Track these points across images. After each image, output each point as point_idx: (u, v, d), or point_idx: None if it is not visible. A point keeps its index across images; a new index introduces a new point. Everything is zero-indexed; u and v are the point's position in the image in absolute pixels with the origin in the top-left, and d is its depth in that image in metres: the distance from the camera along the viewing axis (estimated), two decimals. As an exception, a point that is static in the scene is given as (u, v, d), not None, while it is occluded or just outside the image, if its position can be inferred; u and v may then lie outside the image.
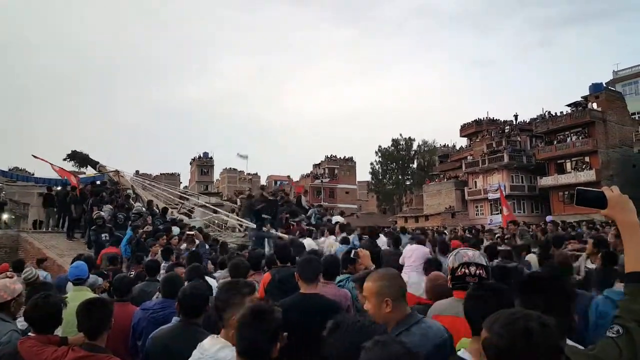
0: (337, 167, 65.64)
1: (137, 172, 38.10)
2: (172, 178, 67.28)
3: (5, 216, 18.13)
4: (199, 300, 2.68)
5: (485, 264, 2.58)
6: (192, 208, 18.32)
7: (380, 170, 63.42)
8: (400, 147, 62.74)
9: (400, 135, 63.05)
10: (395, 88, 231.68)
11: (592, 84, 38.54)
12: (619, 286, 2.90)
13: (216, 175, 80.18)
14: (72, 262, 5.08)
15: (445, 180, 51.23)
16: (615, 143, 35.04)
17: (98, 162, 17.70)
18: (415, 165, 63.15)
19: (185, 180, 76.91)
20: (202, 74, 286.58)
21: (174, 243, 8.05)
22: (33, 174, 16.67)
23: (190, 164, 78.51)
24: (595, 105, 36.30)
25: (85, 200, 13.02)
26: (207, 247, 8.21)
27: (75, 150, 17.90)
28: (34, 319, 2.56)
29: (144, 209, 12.62)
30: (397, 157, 62.44)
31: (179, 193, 20.41)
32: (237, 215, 17.91)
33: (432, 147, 62.54)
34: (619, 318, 1.44)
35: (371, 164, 63.51)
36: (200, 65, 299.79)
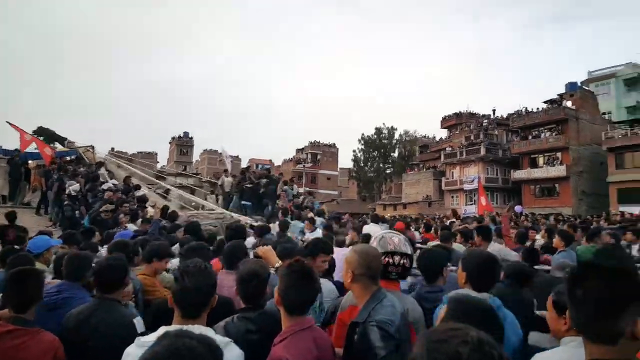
0: (320, 153, 65.95)
1: (112, 149, 37.64)
2: (150, 157, 64.99)
3: None
4: (117, 273, 2.56)
5: (410, 252, 2.54)
6: (169, 189, 18.18)
7: (362, 158, 64.15)
8: (383, 135, 63.44)
9: (384, 124, 63.84)
10: (381, 78, 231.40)
11: (568, 82, 39.47)
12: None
13: (196, 156, 78.90)
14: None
15: (424, 170, 52.14)
16: (586, 141, 36.17)
17: (66, 138, 17.22)
18: (396, 154, 64.02)
19: (163, 160, 75.21)
20: (187, 52, 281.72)
21: (123, 222, 8.09)
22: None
23: (170, 143, 77.12)
24: (569, 104, 37.25)
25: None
26: (160, 225, 7.50)
27: (41, 127, 17.40)
28: None
29: (116, 185, 12.33)
30: (380, 145, 63.17)
31: (155, 172, 20.32)
32: (217, 197, 18.02)
33: (413, 137, 63.50)
34: None
35: (354, 151, 64.48)
36: (188, 43, 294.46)
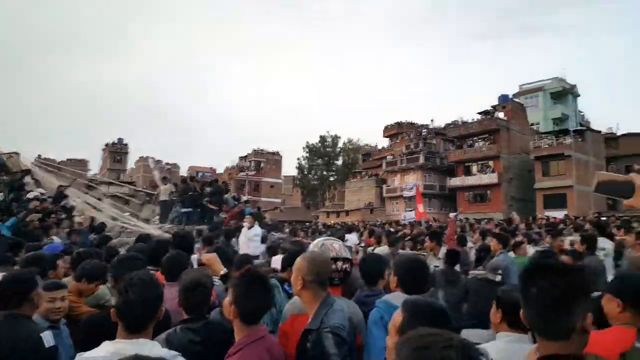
0: (264, 161, 65.49)
1: (39, 156, 35.40)
2: (80, 164, 60.82)
3: None
4: (22, 286, 2.48)
5: (350, 257, 2.62)
6: (100, 198, 17.42)
7: (306, 166, 64.46)
8: (327, 143, 64.13)
9: (328, 132, 64.54)
10: (325, 86, 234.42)
11: (501, 95, 41.91)
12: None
13: (130, 163, 75.78)
14: None
15: (367, 177, 53.17)
16: (516, 150, 38.41)
17: None
18: (340, 162, 64.90)
19: (95, 167, 70.41)
20: (121, 53, 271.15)
21: (53, 233, 7.74)
22: None
23: (103, 150, 73.18)
24: (501, 115, 39.52)
25: None
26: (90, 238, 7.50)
27: None
28: None
29: (43, 194, 11.90)
30: (324, 153, 63.78)
31: (85, 181, 19.37)
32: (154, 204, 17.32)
33: (356, 146, 64.69)
34: None
35: (298, 159, 64.65)
36: (121, 43, 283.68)
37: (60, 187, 12.72)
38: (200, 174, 53.67)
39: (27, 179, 13.21)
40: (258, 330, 1.98)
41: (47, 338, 2.44)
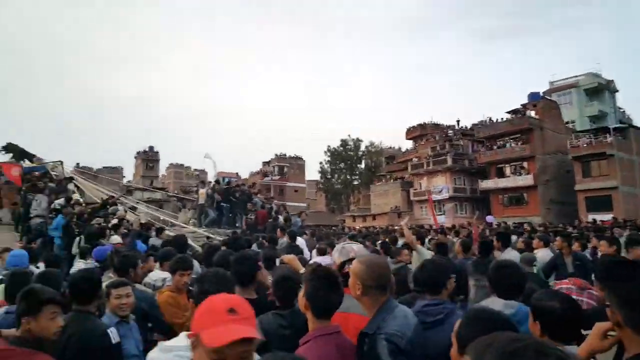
0: (287, 166, 65.42)
1: (77, 164, 36.22)
2: (115, 172, 64.50)
3: None
4: (88, 284, 2.66)
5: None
6: (136, 203, 17.69)
7: (329, 170, 63.89)
8: (349, 147, 63.45)
9: (349, 135, 63.84)
10: (344, 89, 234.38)
11: (530, 92, 40.77)
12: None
13: (162, 170, 78.22)
14: None
15: (392, 181, 52.44)
16: (551, 150, 37.10)
17: (35, 155, 16.96)
18: (363, 166, 64.16)
19: (129, 174, 74.23)
20: (149, 66, 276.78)
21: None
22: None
23: (135, 158, 75.94)
24: (533, 113, 38.35)
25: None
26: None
27: (10, 143, 16.85)
28: None
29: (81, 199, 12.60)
30: (346, 157, 63.12)
31: (125, 186, 19.66)
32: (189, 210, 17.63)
33: (379, 149, 63.85)
34: None
35: (320, 163, 63.95)
36: (147, 57, 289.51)
37: (111, 198, 13.43)
38: (226, 179, 53.55)
39: (70, 185, 13.84)
40: (329, 325, 2.02)
41: (113, 334, 2.60)
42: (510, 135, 38.79)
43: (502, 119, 40.78)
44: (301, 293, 2.10)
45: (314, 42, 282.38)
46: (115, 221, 9.55)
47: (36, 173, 14.45)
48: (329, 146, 63.49)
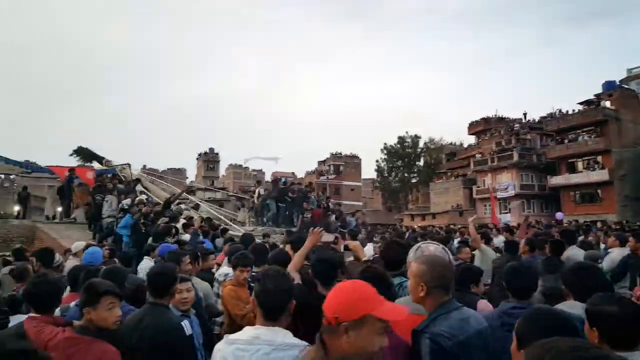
0: (342, 164, 65.15)
1: (144, 166, 37.99)
2: (179, 173, 68.26)
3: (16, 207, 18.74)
4: (166, 279, 2.76)
5: (450, 259, 2.58)
6: (198, 203, 18.11)
7: (385, 168, 62.76)
8: (407, 144, 61.94)
9: (407, 132, 62.28)
10: (402, 85, 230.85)
11: (606, 81, 37.91)
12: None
13: (222, 170, 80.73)
14: None
15: (452, 178, 50.74)
16: (629, 142, 34.32)
17: (104, 158, 17.72)
18: (421, 163, 62.44)
19: (191, 175, 77.97)
20: (212, 70, 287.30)
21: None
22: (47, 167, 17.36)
23: (197, 159, 78.91)
24: (608, 104, 35.65)
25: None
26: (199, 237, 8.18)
27: (81, 146, 17.81)
28: (33, 298, 2.60)
29: (148, 199, 12.91)
30: (403, 154, 61.64)
31: (189, 186, 20.24)
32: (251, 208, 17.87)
33: (438, 145, 61.83)
34: None
35: (377, 161, 62.87)
36: (213, 61, 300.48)
37: (172, 196, 13.77)
38: (282, 178, 54.22)
39: (138, 186, 14.38)
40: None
41: (187, 326, 2.73)
42: (583, 127, 36.35)
43: (573, 110, 38.33)
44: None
45: (369, 39, 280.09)
46: (184, 221, 9.69)
47: (108, 175, 15.21)
48: (385, 144, 62.47)
